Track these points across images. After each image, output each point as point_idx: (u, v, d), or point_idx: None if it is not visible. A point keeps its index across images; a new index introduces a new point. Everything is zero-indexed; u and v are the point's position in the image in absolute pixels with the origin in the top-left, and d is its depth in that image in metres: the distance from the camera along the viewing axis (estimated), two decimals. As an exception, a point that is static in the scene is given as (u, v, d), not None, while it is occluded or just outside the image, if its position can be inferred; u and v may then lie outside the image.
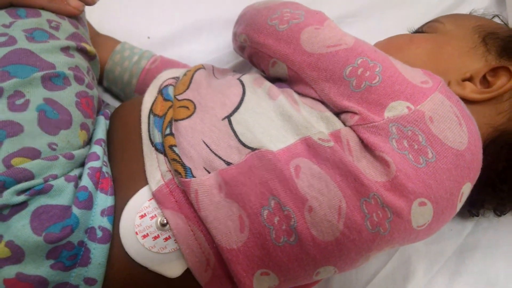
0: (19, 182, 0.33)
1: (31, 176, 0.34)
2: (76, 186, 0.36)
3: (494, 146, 0.45)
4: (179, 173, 0.38)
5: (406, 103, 0.38)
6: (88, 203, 0.36)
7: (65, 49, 0.41)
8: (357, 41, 0.42)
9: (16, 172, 0.33)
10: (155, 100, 0.44)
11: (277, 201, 0.36)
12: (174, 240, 0.37)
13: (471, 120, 0.39)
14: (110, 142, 0.44)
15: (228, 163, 0.38)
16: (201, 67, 0.50)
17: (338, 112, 0.40)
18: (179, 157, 0.39)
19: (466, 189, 0.39)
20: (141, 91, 0.57)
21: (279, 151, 0.38)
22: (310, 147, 0.38)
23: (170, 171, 0.39)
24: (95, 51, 0.46)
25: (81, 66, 0.42)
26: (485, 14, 0.56)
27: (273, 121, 0.41)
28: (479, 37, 0.48)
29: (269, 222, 0.36)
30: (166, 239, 0.37)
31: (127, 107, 0.48)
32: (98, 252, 0.35)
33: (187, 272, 0.38)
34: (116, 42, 0.61)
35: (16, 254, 0.32)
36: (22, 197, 0.33)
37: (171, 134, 0.40)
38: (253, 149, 0.38)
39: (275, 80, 0.46)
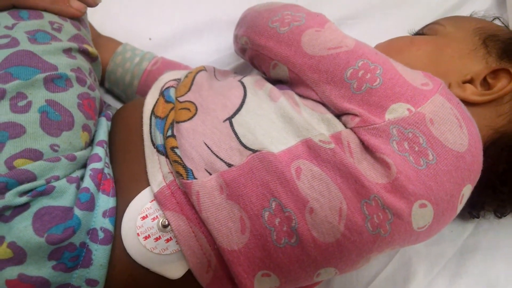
0: (21, 183, 0.33)
1: (33, 178, 0.34)
2: (78, 187, 0.36)
3: (494, 148, 0.45)
4: (181, 175, 0.38)
5: (406, 105, 0.38)
6: (90, 205, 0.36)
7: (67, 51, 0.41)
8: (358, 43, 0.42)
9: (18, 173, 0.33)
10: (156, 102, 0.44)
11: (278, 203, 0.36)
12: (176, 241, 0.37)
13: (471, 122, 0.40)
14: (112, 143, 0.44)
15: (230, 165, 0.38)
16: (202, 69, 0.50)
17: (339, 114, 0.41)
18: (180, 158, 0.39)
19: (467, 191, 0.40)
20: (143, 92, 0.58)
21: (280, 153, 0.38)
22: (311, 149, 0.38)
23: (171, 172, 0.39)
24: (97, 53, 0.46)
25: (83, 67, 0.42)
26: (486, 16, 0.56)
27: (274, 123, 0.41)
28: (479, 39, 0.48)
29: (270, 223, 0.36)
30: (167, 240, 0.37)
31: (128, 109, 0.49)
32: (100, 253, 0.35)
33: (189, 273, 0.38)
34: (118, 43, 0.61)
35: (18, 255, 0.32)
36: (24, 199, 0.33)
37: (173, 136, 0.41)
38: (254, 151, 0.38)
39: (276, 82, 0.47)
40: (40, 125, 0.36)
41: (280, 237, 0.36)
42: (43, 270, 0.33)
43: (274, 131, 0.40)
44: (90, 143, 0.42)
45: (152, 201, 0.38)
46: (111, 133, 0.45)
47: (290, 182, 0.36)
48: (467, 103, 0.43)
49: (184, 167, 0.38)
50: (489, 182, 0.45)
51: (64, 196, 0.35)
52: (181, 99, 0.45)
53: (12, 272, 0.32)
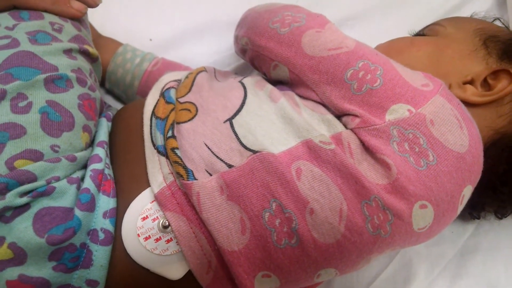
0: (21, 184, 0.33)
1: (33, 178, 0.34)
2: (78, 188, 0.36)
3: (495, 149, 0.45)
4: (181, 176, 0.38)
5: (407, 106, 0.38)
6: (90, 205, 0.36)
7: (67, 52, 0.41)
8: (358, 44, 0.42)
9: (19, 174, 0.33)
10: (157, 103, 0.44)
11: (279, 204, 0.36)
12: (176, 242, 0.37)
13: (472, 123, 0.40)
14: (112, 144, 0.44)
15: (230, 166, 0.38)
16: (203, 69, 0.50)
17: (339, 115, 0.41)
18: (181, 159, 0.39)
19: (467, 192, 0.40)
20: (143, 93, 0.58)
21: (280, 154, 0.38)
22: (311, 149, 0.38)
23: (172, 173, 0.39)
24: (98, 53, 0.46)
25: (84, 68, 0.42)
26: (486, 17, 0.56)
27: (274, 123, 0.41)
28: (480, 40, 0.48)
29: (270, 224, 0.36)
30: (168, 241, 0.37)
31: (129, 110, 0.49)
32: (100, 254, 0.35)
33: (189, 274, 0.38)
34: (118, 44, 0.61)
35: (19, 256, 0.32)
36: (24, 199, 0.33)
37: (173, 136, 0.41)
38: (254, 152, 0.38)
39: (277, 83, 0.47)
40: (40, 125, 0.36)
41: (281, 238, 0.36)
42: (43, 270, 0.33)
43: (274, 132, 0.40)
44: (91, 143, 0.42)
45: (152, 201, 0.38)
46: (111, 134, 0.45)
47: (290, 183, 0.36)
48: (468, 104, 0.43)
49: (185, 168, 0.38)
50: (489, 183, 0.45)
51: (65, 196, 0.35)
52: (181, 100, 0.45)
53: (13, 272, 0.33)
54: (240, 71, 0.65)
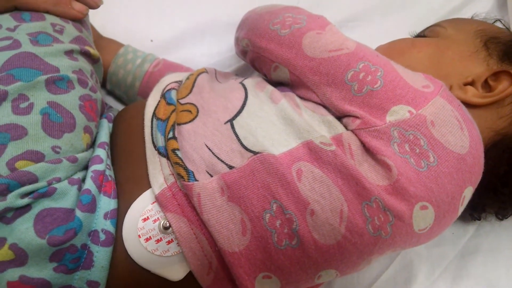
0: (23, 185, 0.33)
1: (35, 179, 0.34)
2: (79, 189, 0.36)
3: (495, 150, 0.45)
4: (182, 177, 0.38)
5: (407, 107, 0.38)
6: (91, 206, 0.36)
7: (69, 53, 0.41)
8: (359, 45, 0.42)
9: (20, 175, 0.33)
10: (158, 104, 0.44)
11: (279, 205, 0.36)
12: (177, 243, 0.37)
13: (472, 124, 0.40)
14: (114, 145, 0.44)
15: (231, 167, 0.38)
16: (203, 71, 0.50)
17: (340, 116, 0.41)
18: (181, 160, 0.39)
19: (468, 193, 0.40)
20: (144, 94, 0.58)
21: (281, 155, 0.38)
22: (312, 151, 0.38)
23: (173, 174, 0.39)
24: (99, 55, 0.46)
25: (85, 69, 0.42)
26: (487, 19, 0.56)
27: (275, 125, 0.41)
28: (480, 41, 0.48)
29: (271, 225, 0.36)
30: (168, 242, 0.37)
31: (130, 111, 0.49)
32: (101, 255, 0.35)
33: (190, 275, 0.38)
34: (120, 45, 0.61)
35: (20, 257, 0.33)
36: (26, 200, 0.33)
37: (174, 137, 0.41)
38: (255, 153, 0.38)
39: (277, 84, 0.47)
40: (41, 127, 0.36)
41: (281, 239, 0.36)
42: (44, 271, 0.33)
43: (275, 133, 0.40)
44: (92, 145, 0.42)
45: (153, 203, 0.38)
46: (112, 135, 0.45)
47: (291, 184, 0.36)
48: (468, 105, 0.43)
49: (185, 169, 0.38)
50: (490, 184, 0.45)
51: (66, 198, 0.35)
52: (182, 101, 0.45)
53: (14, 273, 0.33)
54: (240, 73, 0.65)
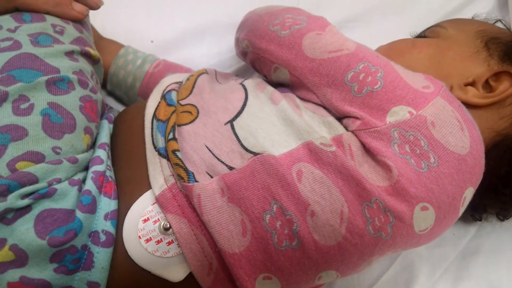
0: (23, 186, 0.34)
1: (35, 180, 0.34)
2: (80, 190, 0.37)
3: (496, 151, 0.45)
4: (182, 178, 0.38)
5: (408, 108, 0.38)
6: (91, 207, 0.36)
7: (69, 54, 0.41)
8: (359, 46, 0.42)
9: (20, 176, 0.33)
10: (158, 105, 0.44)
11: (279, 206, 0.36)
12: (177, 244, 0.37)
13: (473, 124, 0.39)
14: (114, 146, 0.44)
15: (231, 168, 0.38)
16: (204, 72, 0.50)
17: (340, 117, 0.41)
18: (182, 161, 0.39)
19: (469, 194, 0.39)
20: (144, 94, 0.58)
21: (281, 156, 0.38)
22: (312, 151, 0.38)
23: (173, 175, 0.39)
24: (99, 55, 0.46)
25: (85, 70, 0.42)
26: (488, 19, 0.56)
27: (275, 125, 0.41)
28: (481, 42, 0.48)
29: (271, 226, 0.36)
30: (169, 243, 0.37)
31: (130, 112, 0.49)
32: (102, 256, 0.36)
33: (190, 276, 0.38)
34: (120, 46, 0.61)
35: (20, 258, 0.33)
36: (26, 201, 0.33)
37: (174, 139, 0.41)
38: (255, 154, 0.38)
39: (277, 85, 0.47)
40: (42, 127, 0.36)
41: (281, 240, 0.36)
42: (44, 272, 0.33)
43: (275, 134, 0.40)
44: (92, 145, 0.42)
45: (153, 203, 0.38)
46: (113, 136, 0.45)
47: (291, 185, 0.36)
48: (469, 105, 0.43)
49: (186, 170, 0.38)
50: (491, 184, 0.45)
51: (66, 198, 0.35)
52: (182, 102, 0.45)
53: (14, 274, 0.33)
54: (241, 73, 0.65)
